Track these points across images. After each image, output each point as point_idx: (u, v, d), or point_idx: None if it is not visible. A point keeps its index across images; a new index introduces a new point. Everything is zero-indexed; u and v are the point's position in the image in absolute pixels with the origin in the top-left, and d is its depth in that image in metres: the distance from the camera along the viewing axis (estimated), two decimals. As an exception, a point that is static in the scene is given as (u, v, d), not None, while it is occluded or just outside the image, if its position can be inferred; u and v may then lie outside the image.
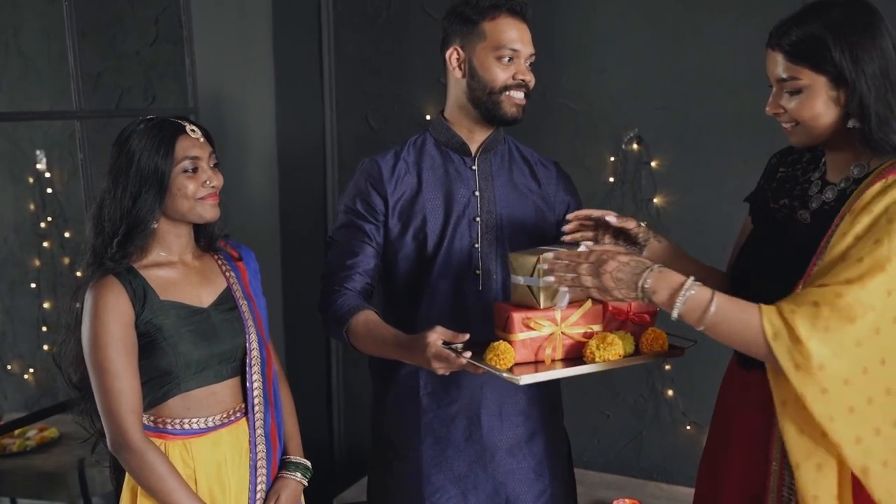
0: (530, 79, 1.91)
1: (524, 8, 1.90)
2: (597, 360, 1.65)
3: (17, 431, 3.09)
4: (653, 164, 2.97)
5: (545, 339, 1.69)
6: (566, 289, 1.62)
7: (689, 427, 3.06)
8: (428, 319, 1.83)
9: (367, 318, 1.82)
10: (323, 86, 3.41)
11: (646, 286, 1.49)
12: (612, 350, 1.66)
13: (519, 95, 1.90)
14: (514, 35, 1.88)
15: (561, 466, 2.08)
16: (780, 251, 1.65)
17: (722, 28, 2.82)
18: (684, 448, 3.06)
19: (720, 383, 1.88)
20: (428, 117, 3.25)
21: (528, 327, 1.67)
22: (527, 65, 1.91)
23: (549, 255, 1.62)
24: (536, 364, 1.69)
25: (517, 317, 1.67)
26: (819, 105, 1.53)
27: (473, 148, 1.98)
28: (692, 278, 1.49)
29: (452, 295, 1.94)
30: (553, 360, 1.70)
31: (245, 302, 1.88)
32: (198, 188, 1.76)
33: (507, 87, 1.88)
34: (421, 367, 1.80)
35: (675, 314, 1.49)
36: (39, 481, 3.10)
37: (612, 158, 3.02)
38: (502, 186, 1.98)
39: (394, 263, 1.96)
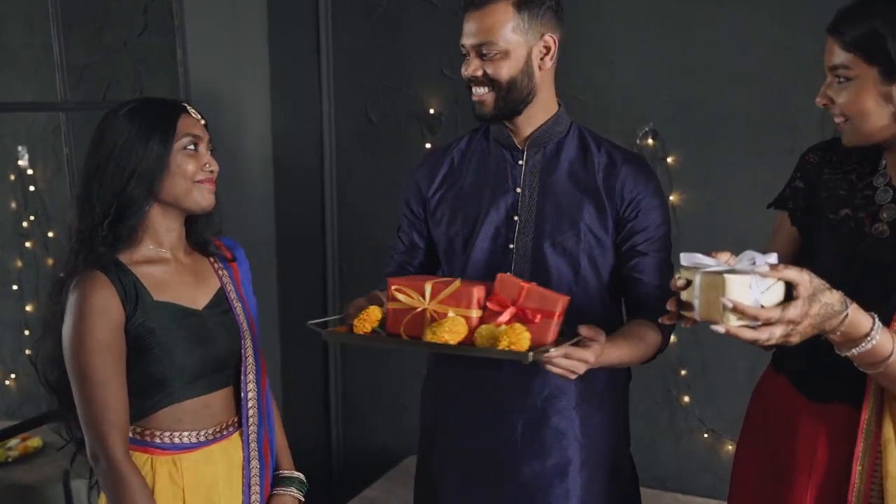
0: (468, 74, 1.76)
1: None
2: (429, 338, 1.55)
3: (-3, 441, 2.98)
4: (669, 160, 2.85)
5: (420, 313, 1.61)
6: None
7: (706, 435, 2.95)
8: None
9: None
10: (320, 78, 3.34)
11: (831, 334, 1.33)
12: (443, 330, 1.53)
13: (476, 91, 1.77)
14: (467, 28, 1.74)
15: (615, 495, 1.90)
16: (855, 269, 1.51)
17: (733, 20, 2.75)
18: (701, 457, 2.96)
19: (750, 398, 1.78)
20: (432, 111, 3.16)
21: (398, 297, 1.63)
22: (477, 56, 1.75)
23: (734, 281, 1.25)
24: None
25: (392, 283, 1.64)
26: (869, 101, 1.44)
27: (519, 141, 1.83)
28: (877, 321, 1.34)
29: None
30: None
31: (239, 304, 1.78)
32: (197, 170, 1.65)
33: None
34: (452, 366, 1.86)
35: (845, 354, 1.36)
36: (21, 494, 2.99)
37: (625, 153, 2.92)
38: (550, 184, 1.81)
39: (439, 260, 1.97)
